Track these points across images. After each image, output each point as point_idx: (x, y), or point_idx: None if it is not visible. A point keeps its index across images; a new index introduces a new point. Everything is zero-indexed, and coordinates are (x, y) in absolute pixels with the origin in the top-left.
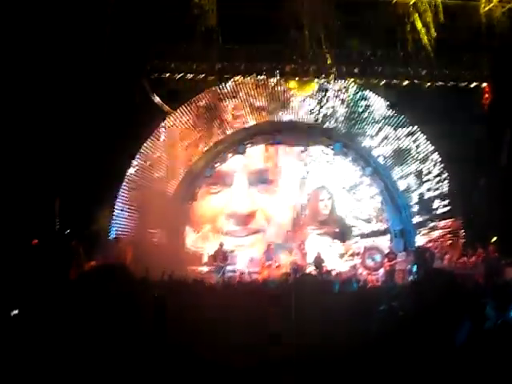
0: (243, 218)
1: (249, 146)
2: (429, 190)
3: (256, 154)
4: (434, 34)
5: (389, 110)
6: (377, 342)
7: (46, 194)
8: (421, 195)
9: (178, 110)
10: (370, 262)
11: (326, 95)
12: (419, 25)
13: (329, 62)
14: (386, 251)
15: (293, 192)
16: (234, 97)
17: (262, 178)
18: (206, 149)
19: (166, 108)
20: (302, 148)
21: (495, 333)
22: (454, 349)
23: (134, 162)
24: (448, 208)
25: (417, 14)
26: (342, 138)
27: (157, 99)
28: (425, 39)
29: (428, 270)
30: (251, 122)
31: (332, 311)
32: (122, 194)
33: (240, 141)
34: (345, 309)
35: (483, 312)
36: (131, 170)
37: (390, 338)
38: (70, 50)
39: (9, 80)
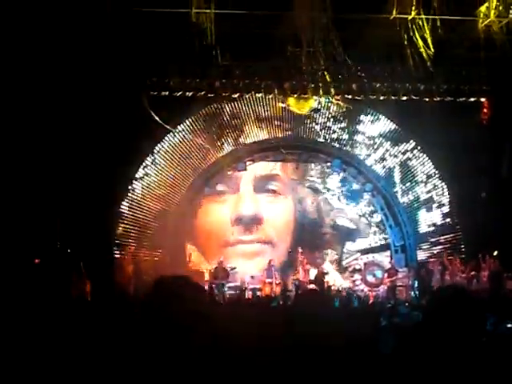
0: (250, 222)
1: (249, 163)
2: (429, 205)
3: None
4: (432, 49)
5: (388, 125)
6: (379, 358)
7: (47, 213)
8: (421, 211)
9: (178, 128)
10: (370, 278)
11: (325, 112)
12: (418, 40)
13: (327, 78)
14: (387, 267)
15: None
16: (234, 115)
17: (268, 187)
18: (205, 166)
19: (165, 126)
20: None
21: (493, 345)
22: (460, 364)
23: (136, 181)
24: (448, 223)
25: (415, 30)
26: (341, 154)
27: (155, 117)
28: (423, 55)
29: (442, 286)
30: (251, 139)
31: (332, 327)
32: (124, 212)
33: (239, 158)
34: (345, 325)
35: (484, 326)
36: (132, 188)
37: (394, 354)
38: (67, 66)
39: (9, 94)
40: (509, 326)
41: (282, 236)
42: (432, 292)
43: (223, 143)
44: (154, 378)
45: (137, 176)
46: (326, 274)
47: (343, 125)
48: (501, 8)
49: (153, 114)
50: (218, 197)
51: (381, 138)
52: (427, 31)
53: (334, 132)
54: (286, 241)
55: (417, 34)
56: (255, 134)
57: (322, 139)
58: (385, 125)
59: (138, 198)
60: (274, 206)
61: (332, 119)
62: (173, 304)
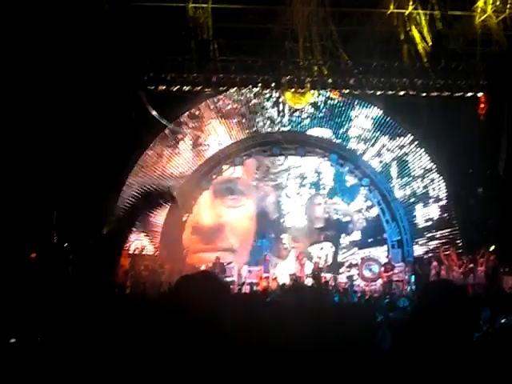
0: (209, 233)
1: (245, 157)
2: (426, 200)
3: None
4: (429, 44)
5: (385, 120)
6: (377, 353)
7: (44, 207)
8: (418, 206)
9: (177, 122)
10: (367, 273)
11: (321, 107)
12: (414, 35)
13: (324, 73)
14: (384, 262)
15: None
16: (229, 110)
17: (229, 189)
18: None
19: (163, 120)
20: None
21: (488, 340)
22: (453, 360)
23: (132, 175)
24: (445, 218)
25: (412, 25)
26: (338, 149)
27: (153, 112)
28: (420, 50)
29: (436, 281)
30: (246, 134)
31: (331, 322)
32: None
33: (236, 153)
34: (344, 320)
35: (477, 321)
36: (129, 182)
37: (392, 349)
38: (65, 62)
39: (6, 89)
40: (503, 321)
41: (244, 240)
42: (422, 287)
43: (220, 139)
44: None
45: (133, 171)
46: (322, 268)
47: (340, 119)
48: (498, 3)
49: (150, 109)
50: None
51: (377, 133)
52: (424, 26)
53: (331, 127)
54: (248, 246)
55: (414, 29)
56: (251, 127)
57: (318, 134)
58: (381, 119)
59: (135, 191)
60: (236, 210)
61: (328, 114)
62: (199, 300)
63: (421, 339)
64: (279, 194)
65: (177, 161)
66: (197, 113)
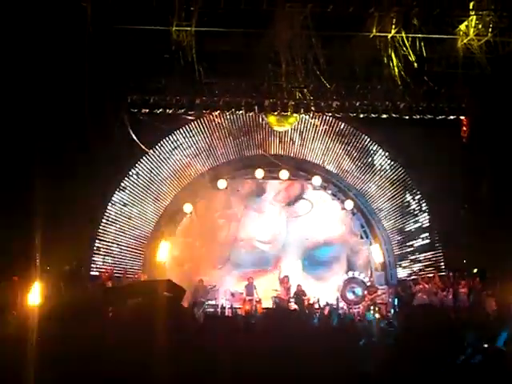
0: None
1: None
2: (409, 222)
3: None
4: (411, 67)
5: (368, 143)
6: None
7: (24, 230)
8: (402, 228)
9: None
10: (350, 296)
11: (304, 130)
12: (397, 58)
13: (307, 96)
14: (367, 284)
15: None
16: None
17: None
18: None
19: (141, 146)
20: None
21: (472, 363)
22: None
23: (113, 198)
24: (428, 241)
25: (395, 48)
26: (321, 171)
27: (133, 136)
28: (403, 73)
29: (420, 306)
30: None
31: (311, 345)
32: (101, 231)
33: (217, 176)
34: (324, 342)
35: (463, 343)
36: (109, 206)
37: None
38: (47, 85)
39: None
40: (486, 345)
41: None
42: (406, 312)
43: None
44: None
45: (114, 198)
46: (304, 291)
47: (323, 142)
48: (480, 26)
49: (130, 132)
50: None
51: (361, 156)
52: (407, 49)
53: (313, 149)
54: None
55: (397, 52)
56: (234, 150)
57: (301, 156)
58: (365, 142)
59: (116, 215)
60: None
61: (311, 136)
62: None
63: (405, 363)
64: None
65: None
66: None
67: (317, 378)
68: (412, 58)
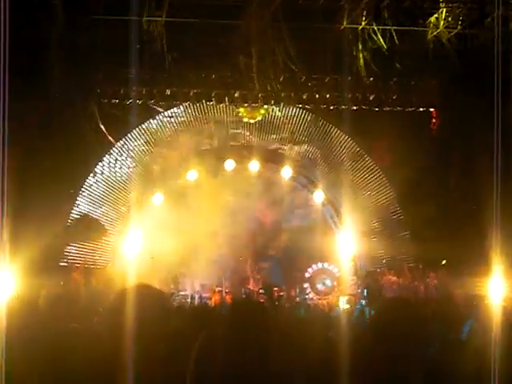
0: None
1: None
2: (379, 214)
3: None
4: (382, 59)
5: (339, 135)
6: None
7: None
8: (371, 220)
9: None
10: (320, 287)
11: (275, 120)
12: (367, 51)
13: (278, 88)
14: (337, 275)
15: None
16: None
17: None
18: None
19: (109, 137)
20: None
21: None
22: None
23: (82, 190)
24: (397, 232)
25: (365, 40)
26: (291, 162)
27: (101, 127)
28: (373, 65)
29: (385, 299)
30: (202, 146)
31: (277, 338)
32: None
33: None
34: (291, 334)
35: (431, 337)
36: (78, 197)
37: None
38: (16, 72)
39: None
40: (454, 336)
41: None
42: (376, 305)
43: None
44: None
45: (85, 184)
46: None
47: (293, 134)
48: (450, 19)
49: (99, 123)
50: None
51: (330, 148)
52: (377, 41)
53: (284, 140)
54: None
55: (367, 44)
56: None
57: (271, 147)
58: (335, 135)
59: (85, 209)
60: None
61: (281, 127)
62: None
63: (376, 356)
64: None
65: None
66: None
67: (284, 372)
68: (384, 48)
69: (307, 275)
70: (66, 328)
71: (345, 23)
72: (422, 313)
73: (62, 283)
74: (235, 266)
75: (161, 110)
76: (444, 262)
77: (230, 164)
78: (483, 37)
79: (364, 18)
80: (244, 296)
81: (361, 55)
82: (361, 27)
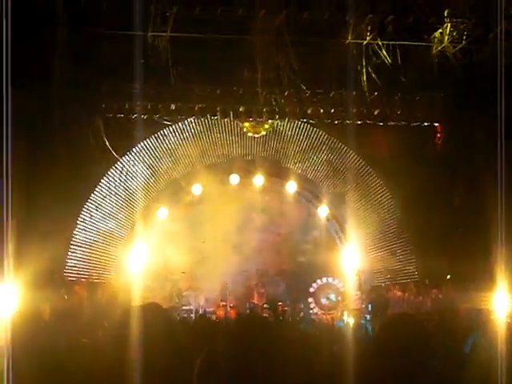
0: None
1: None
2: (383, 229)
3: None
4: (387, 74)
5: (344, 150)
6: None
7: None
8: (376, 235)
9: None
10: (325, 301)
11: (280, 135)
12: (371, 65)
13: (282, 103)
14: (341, 290)
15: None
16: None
17: None
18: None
19: (113, 153)
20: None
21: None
22: None
23: (87, 205)
24: (402, 247)
25: (370, 55)
26: (296, 177)
27: (106, 142)
28: (377, 80)
29: (394, 316)
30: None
31: (283, 351)
32: (77, 235)
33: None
34: (296, 348)
35: (436, 352)
36: (84, 212)
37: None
38: (20, 87)
39: None
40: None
41: None
42: (380, 322)
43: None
44: None
45: (89, 202)
46: (280, 297)
47: (298, 148)
48: (455, 34)
49: (104, 138)
50: None
51: (335, 163)
52: (382, 56)
53: (289, 155)
54: None
55: (371, 59)
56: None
57: (276, 161)
58: (340, 149)
59: (90, 224)
60: None
61: (287, 142)
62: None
63: (380, 371)
64: None
65: None
66: None
67: None
68: (388, 63)
69: (312, 290)
70: (74, 342)
71: (349, 38)
72: (426, 328)
73: (65, 297)
74: (239, 281)
75: (166, 124)
76: (448, 276)
77: (234, 178)
78: (488, 52)
79: (369, 33)
80: (248, 310)
81: (365, 70)
82: (365, 42)
